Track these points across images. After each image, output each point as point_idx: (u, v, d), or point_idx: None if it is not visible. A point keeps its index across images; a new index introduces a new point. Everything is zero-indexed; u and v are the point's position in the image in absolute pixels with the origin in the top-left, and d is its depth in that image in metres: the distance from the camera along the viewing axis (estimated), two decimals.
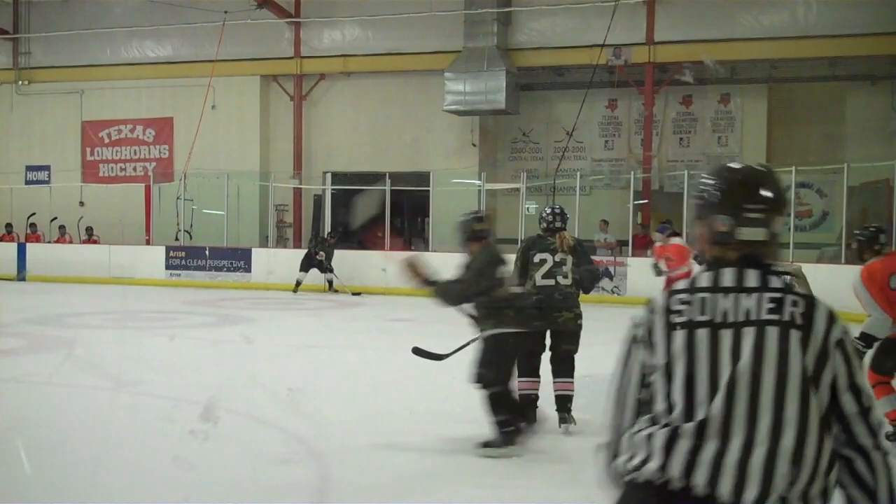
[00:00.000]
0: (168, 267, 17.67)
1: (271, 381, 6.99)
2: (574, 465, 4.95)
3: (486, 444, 4.93)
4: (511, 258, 5.39)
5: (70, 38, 20.61)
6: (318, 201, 18.35)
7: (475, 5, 17.66)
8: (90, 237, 19.19)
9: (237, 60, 19.49)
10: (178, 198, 18.55)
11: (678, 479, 1.65)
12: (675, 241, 10.01)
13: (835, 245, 15.12)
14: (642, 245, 15.47)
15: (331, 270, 15.92)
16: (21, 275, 18.07)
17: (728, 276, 1.79)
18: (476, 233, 5.14)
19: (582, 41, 17.22)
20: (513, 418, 4.95)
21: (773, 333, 1.70)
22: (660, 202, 17.45)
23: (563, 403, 5.57)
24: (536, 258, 5.62)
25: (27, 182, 21.24)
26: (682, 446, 1.67)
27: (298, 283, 15.87)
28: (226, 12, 18.53)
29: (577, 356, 5.68)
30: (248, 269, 17.24)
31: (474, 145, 18.83)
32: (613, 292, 14.76)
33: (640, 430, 1.75)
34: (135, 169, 20.98)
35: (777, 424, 1.65)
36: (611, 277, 14.67)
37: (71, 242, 19.00)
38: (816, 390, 1.70)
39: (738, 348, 1.71)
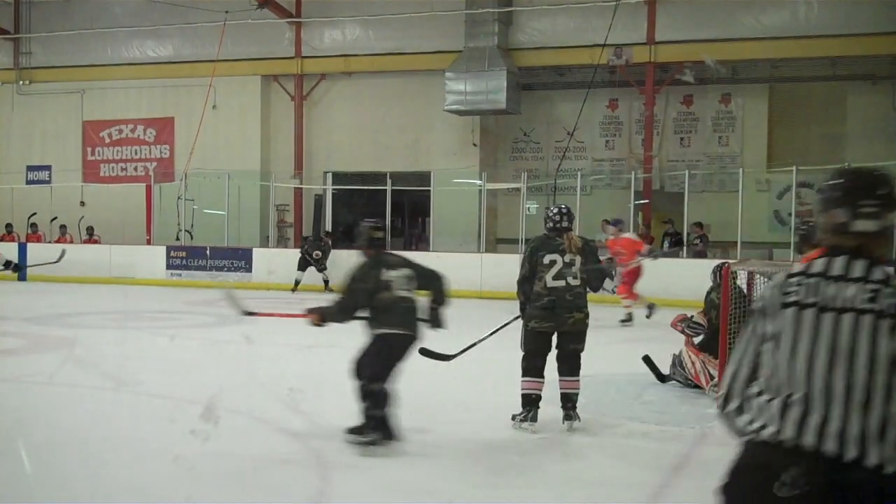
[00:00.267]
0: (169, 267, 17.66)
1: (272, 381, 6.99)
2: (575, 464, 4.95)
3: (353, 431, 4.99)
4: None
5: (71, 38, 20.62)
6: (319, 201, 18.32)
7: (476, 5, 17.66)
8: (91, 237, 19.20)
9: (238, 60, 19.50)
10: (178, 198, 18.55)
11: (791, 440, 1.96)
12: (626, 235, 10.28)
13: None
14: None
15: (326, 269, 15.90)
16: (21, 274, 18.03)
17: (838, 265, 2.07)
18: (373, 240, 5.22)
19: (583, 41, 17.21)
20: (382, 413, 4.98)
21: (867, 321, 1.98)
22: (660, 202, 17.45)
23: (568, 401, 5.59)
24: (546, 259, 5.58)
25: (28, 182, 21.25)
26: (793, 414, 1.98)
27: (297, 283, 15.89)
28: (227, 12, 18.55)
29: None
30: (249, 269, 17.24)
31: (475, 145, 18.82)
32: (614, 292, 14.73)
33: (757, 395, 2.07)
34: (136, 169, 20.99)
35: (868, 399, 1.94)
36: (611, 277, 14.63)
37: (72, 242, 18.99)
38: None
39: (837, 332, 1.99)
